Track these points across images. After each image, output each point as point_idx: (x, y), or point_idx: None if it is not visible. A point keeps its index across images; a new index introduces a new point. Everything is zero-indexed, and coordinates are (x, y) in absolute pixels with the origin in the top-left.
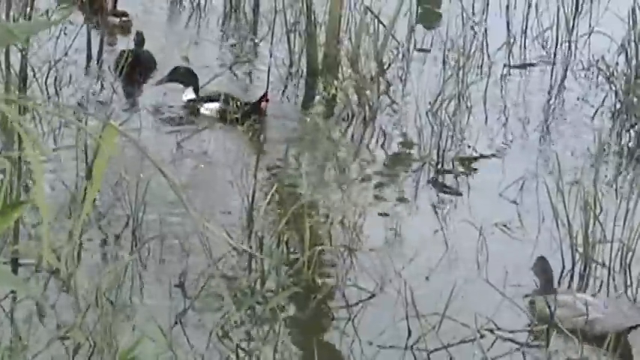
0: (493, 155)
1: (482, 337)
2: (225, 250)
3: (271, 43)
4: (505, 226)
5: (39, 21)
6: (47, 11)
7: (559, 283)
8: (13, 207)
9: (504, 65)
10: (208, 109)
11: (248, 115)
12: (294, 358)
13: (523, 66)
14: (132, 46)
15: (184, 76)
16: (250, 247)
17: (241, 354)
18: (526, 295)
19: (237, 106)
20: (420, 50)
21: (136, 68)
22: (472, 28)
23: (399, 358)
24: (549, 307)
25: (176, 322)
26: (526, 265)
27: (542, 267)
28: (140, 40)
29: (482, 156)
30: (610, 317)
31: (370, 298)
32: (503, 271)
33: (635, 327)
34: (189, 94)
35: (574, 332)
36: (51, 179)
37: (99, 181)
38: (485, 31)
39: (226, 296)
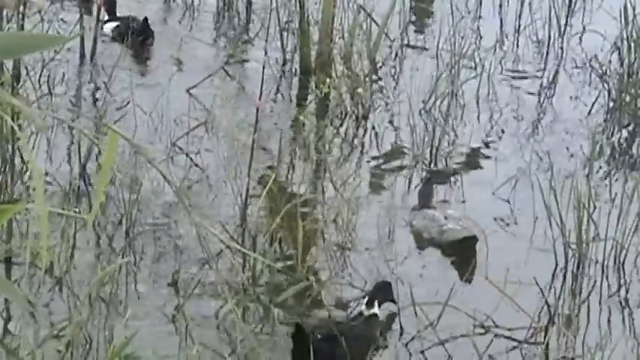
0: (486, 154)
1: (480, 334)
2: (219, 248)
3: (266, 41)
4: (502, 220)
5: (45, 36)
6: (40, 11)
7: (553, 278)
8: (7, 205)
9: (496, 63)
10: (107, 28)
11: (138, 33)
12: (288, 357)
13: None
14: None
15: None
16: (244, 246)
17: (238, 351)
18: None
19: (128, 26)
20: (413, 48)
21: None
22: (465, 26)
23: (393, 356)
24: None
25: (171, 318)
26: (521, 263)
27: (424, 188)
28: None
29: (475, 154)
30: (457, 230)
31: (364, 296)
32: (496, 269)
33: (470, 238)
34: (105, 17)
35: (430, 240)
36: (44, 178)
37: (103, 189)
38: (478, 29)
39: (220, 294)
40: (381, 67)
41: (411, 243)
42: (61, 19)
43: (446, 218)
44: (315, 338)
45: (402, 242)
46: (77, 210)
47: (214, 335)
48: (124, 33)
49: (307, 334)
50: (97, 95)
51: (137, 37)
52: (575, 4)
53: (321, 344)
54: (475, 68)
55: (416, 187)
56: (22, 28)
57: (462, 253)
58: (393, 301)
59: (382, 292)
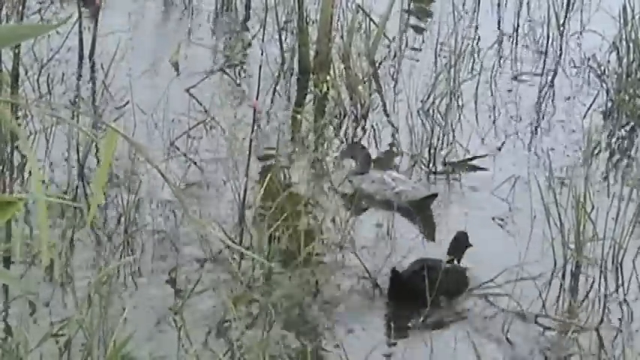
0: (485, 154)
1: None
2: (218, 248)
3: (263, 41)
4: (501, 219)
5: (35, 26)
6: (39, 10)
7: (551, 278)
8: (8, 204)
9: (495, 63)
10: None
11: None
12: (285, 356)
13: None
14: None
15: None
16: (242, 245)
17: (235, 351)
18: (346, 177)
19: None
20: (412, 47)
21: None
22: (463, 26)
23: (392, 355)
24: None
25: (169, 318)
26: (519, 263)
27: (357, 151)
28: None
29: (473, 154)
30: (412, 189)
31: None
32: (494, 268)
33: (431, 196)
34: None
35: (385, 203)
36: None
37: (101, 187)
38: (477, 28)
39: (219, 293)
40: (379, 67)
41: (409, 242)
42: (61, 19)
43: (393, 180)
44: (408, 275)
45: (399, 242)
46: (76, 210)
47: (212, 335)
48: None
49: (403, 274)
50: (96, 95)
51: None
52: (574, 3)
53: (415, 279)
54: (474, 68)
55: (340, 150)
56: None
57: (425, 220)
58: (470, 245)
59: (460, 244)
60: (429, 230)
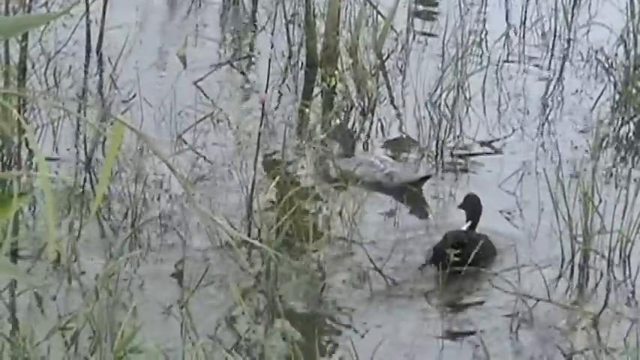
0: (492, 146)
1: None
2: (226, 240)
3: (272, 34)
4: (508, 213)
5: (39, 15)
6: (46, 3)
7: (560, 273)
8: (14, 198)
9: (502, 56)
10: None
11: None
12: (291, 349)
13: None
14: None
15: None
16: (250, 238)
17: (242, 344)
18: (333, 162)
19: None
20: (420, 40)
21: None
22: (471, 18)
23: (399, 349)
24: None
25: (176, 311)
26: (527, 256)
27: (341, 133)
28: None
29: (481, 147)
30: (404, 171)
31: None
32: (503, 262)
33: (425, 178)
34: None
35: (375, 184)
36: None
37: (107, 178)
38: (484, 21)
39: (226, 287)
40: (387, 60)
41: (415, 235)
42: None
43: (382, 162)
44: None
45: (406, 234)
46: (83, 203)
47: (219, 328)
48: None
49: (443, 246)
50: (103, 88)
51: None
52: None
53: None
54: (481, 61)
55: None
56: None
57: (417, 200)
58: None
59: (475, 209)
60: (422, 210)
